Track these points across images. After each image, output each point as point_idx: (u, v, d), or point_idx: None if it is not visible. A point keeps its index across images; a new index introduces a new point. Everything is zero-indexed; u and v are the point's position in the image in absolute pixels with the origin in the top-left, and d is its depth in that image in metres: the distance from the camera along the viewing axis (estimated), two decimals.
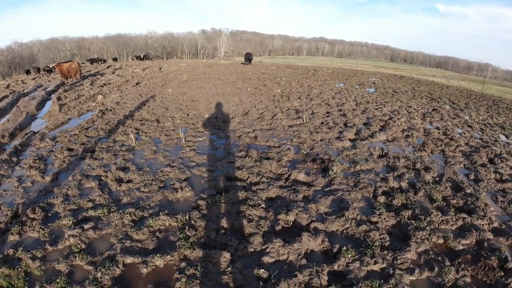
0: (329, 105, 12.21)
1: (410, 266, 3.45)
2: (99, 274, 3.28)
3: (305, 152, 6.76)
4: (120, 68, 30.46)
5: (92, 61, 42.93)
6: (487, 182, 5.68)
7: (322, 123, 9.41)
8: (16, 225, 4.18)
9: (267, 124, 9.17)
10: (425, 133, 8.63)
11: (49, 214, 4.56)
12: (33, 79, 24.39)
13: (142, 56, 48.88)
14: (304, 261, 3.52)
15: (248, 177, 5.65)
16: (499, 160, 6.79)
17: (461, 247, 3.88)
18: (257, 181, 5.53)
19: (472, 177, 5.96)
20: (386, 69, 44.97)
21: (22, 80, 23.64)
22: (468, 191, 5.24)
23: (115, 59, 51.97)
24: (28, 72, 32.41)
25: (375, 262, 3.46)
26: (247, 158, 6.49)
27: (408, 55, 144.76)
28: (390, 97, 14.69)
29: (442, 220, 4.36)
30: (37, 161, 6.43)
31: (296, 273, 3.30)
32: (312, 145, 7.28)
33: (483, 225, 4.31)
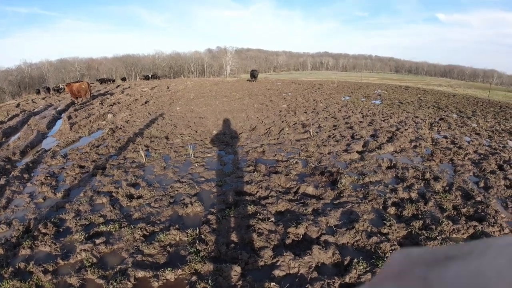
0: (335, 118, 12.25)
1: None
2: None
3: (313, 166, 6.78)
4: (129, 87, 31.06)
5: (101, 81, 43.80)
6: (497, 189, 5.61)
7: (329, 136, 9.44)
8: (27, 240, 4.27)
9: (275, 139, 9.24)
10: (433, 143, 8.59)
11: (61, 229, 4.65)
12: (43, 98, 25.03)
13: (150, 76, 49.80)
14: (315, 274, 3.50)
15: (257, 191, 5.68)
16: (508, 166, 6.71)
17: None
18: (266, 195, 5.55)
19: (482, 184, 5.89)
20: (391, 80, 45.08)
21: (32, 100, 24.31)
22: (478, 198, 5.18)
23: (123, 79, 53.13)
24: (38, 91, 33.34)
25: None
26: (255, 172, 6.52)
27: (413, 65, 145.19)
28: (396, 108, 14.69)
29: (453, 229, 4.30)
30: (48, 177, 6.57)
31: (307, 286, 3.28)
32: (320, 158, 7.30)
33: (494, 232, 4.26)
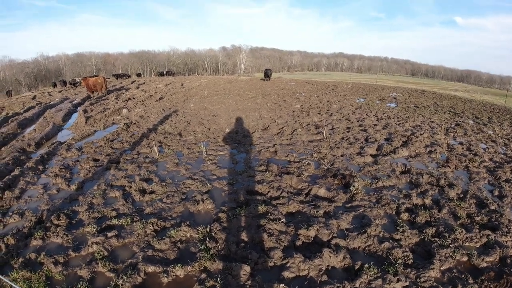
0: (349, 120, 12.13)
1: (433, 284, 3.34)
2: (120, 282, 3.35)
3: (325, 168, 6.72)
4: (144, 83, 31.42)
5: (117, 76, 44.45)
6: (511, 198, 5.49)
7: (343, 138, 9.35)
8: (39, 231, 4.35)
9: (287, 139, 9.20)
10: (449, 149, 8.42)
11: (73, 221, 4.73)
12: (60, 91, 25.56)
13: (164, 72, 50.24)
14: (325, 278, 3.47)
15: (269, 191, 5.67)
16: None
17: (484, 265, 3.75)
18: (277, 195, 5.53)
19: (496, 193, 5.78)
20: (407, 83, 44.33)
21: (48, 92, 24.91)
22: (493, 207, 5.07)
23: (139, 75, 53.67)
24: (54, 84, 34.13)
25: (398, 280, 3.37)
26: (267, 172, 6.51)
27: (429, 69, 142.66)
28: (412, 112, 14.45)
29: (466, 238, 4.22)
30: (63, 170, 6.69)
31: None
32: (332, 161, 7.23)
33: (506, 242, 4.17)
